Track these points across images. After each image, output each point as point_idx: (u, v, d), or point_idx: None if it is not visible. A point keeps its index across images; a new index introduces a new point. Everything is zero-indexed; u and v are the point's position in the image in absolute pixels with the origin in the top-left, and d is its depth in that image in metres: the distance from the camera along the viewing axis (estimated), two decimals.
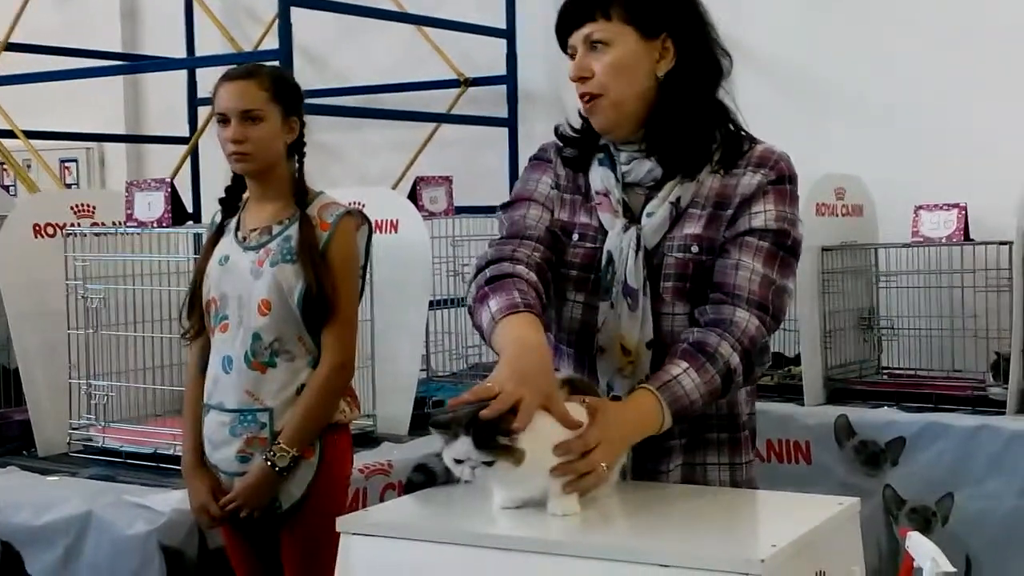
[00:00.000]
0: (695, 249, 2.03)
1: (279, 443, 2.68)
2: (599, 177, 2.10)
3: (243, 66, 2.87)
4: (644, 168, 2.07)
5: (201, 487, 2.75)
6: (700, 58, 2.08)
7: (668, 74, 2.06)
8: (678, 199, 2.05)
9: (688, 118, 2.05)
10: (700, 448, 2.07)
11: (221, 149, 2.78)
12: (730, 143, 2.08)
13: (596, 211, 2.10)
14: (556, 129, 2.20)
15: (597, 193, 2.10)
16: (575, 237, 2.10)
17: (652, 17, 2.05)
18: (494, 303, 1.95)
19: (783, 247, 2.04)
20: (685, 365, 1.94)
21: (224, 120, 2.74)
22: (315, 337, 2.73)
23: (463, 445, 1.76)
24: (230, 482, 2.74)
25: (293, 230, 2.73)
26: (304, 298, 2.69)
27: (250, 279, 2.71)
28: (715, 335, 1.96)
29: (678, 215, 2.05)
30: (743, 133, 2.10)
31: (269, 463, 2.68)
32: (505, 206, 2.17)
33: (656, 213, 2.05)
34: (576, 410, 1.85)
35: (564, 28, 2.09)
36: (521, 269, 2.01)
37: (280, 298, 2.69)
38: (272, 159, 2.76)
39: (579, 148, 2.16)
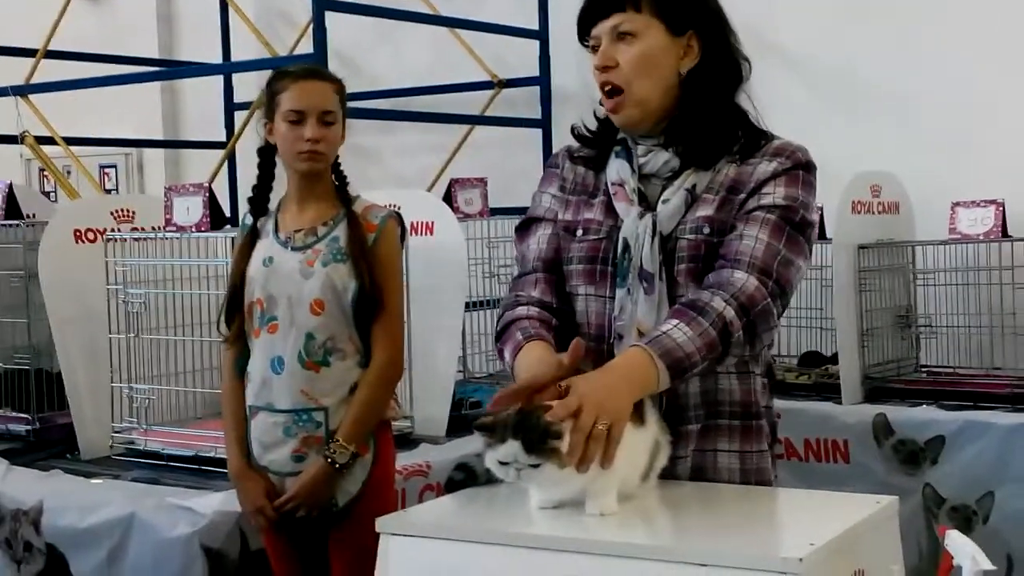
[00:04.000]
0: (706, 230, 2.05)
1: (337, 440, 2.69)
2: (615, 169, 2.14)
3: (308, 67, 2.91)
4: (661, 159, 2.10)
5: (255, 489, 2.75)
6: (722, 59, 2.11)
7: (691, 72, 2.10)
8: (693, 186, 2.08)
9: (709, 117, 2.08)
10: (712, 434, 2.08)
11: (280, 146, 2.75)
12: (749, 138, 2.10)
13: (600, 206, 2.13)
14: (572, 130, 2.24)
15: (613, 184, 2.13)
16: (579, 233, 2.14)
17: (681, 13, 2.08)
18: (507, 353, 2.10)
19: (790, 222, 2.03)
20: (675, 321, 1.94)
21: (298, 119, 2.72)
22: (362, 335, 2.75)
23: (510, 448, 1.77)
24: (282, 483, 2.75)
25: (340, 230, 2.76)
26: (357, 296, 2.71)
27: (299, 279, 2.72)
28: (708, 293, 1.97)
29: (693, 200, 2.07)
30: (762, 130, 2.13)
31: (329, 460, 2.69)
32: (519, 229, 2.26)
33: (672, 199, 2.08)
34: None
35: (590, 18, 2.12)
36: (521, 311, 2.13)
37: (334, 297, 2.71)
38: (332, 160, 2.80)
39: (596, 147, 2.19)
